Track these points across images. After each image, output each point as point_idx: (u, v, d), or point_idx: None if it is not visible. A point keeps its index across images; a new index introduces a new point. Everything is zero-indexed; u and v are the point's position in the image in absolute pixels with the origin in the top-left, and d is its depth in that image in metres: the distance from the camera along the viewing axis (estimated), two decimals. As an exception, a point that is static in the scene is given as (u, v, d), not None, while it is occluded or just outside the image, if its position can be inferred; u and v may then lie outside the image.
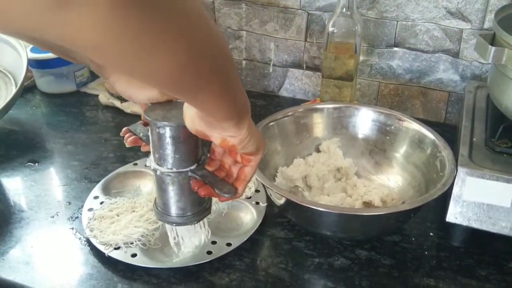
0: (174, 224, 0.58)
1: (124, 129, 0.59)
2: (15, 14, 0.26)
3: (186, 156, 0.53)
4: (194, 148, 0.53)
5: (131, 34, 0.29)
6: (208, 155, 0.56)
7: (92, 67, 0.54)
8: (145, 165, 0.83)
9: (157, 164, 0.53)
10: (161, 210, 0.57)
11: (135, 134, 0.58)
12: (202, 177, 0.54)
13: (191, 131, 0.49)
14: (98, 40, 0.28)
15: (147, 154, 0.56)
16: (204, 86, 0.39)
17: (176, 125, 0.51)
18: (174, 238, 0.61)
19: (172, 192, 0.55)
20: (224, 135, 0.48)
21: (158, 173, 0.54)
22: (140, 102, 0.56)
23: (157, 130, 0.52)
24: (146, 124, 0.58)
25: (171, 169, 0.53)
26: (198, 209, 0.57)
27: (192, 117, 0.47)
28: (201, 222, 0.61)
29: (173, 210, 0.57)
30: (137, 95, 0.54)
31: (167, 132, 0.51)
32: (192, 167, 0.53)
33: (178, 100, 0.52)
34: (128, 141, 0.57)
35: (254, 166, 0.54)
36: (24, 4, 0.25)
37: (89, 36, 0.28)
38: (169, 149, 0.52)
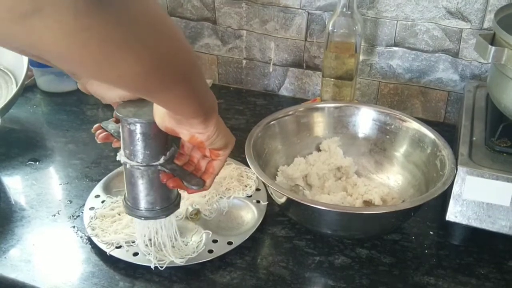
0: (142, 218, 0.60)
1: (95, 125, 0.61)
2: None
3: (156, 151, 0.55)
4: (164, 144, 0.55)
5: (94, 44, 0.30)
6: (178, 150, 0.58)
7: (64, 69, 0.55)
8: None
9: (127, 158, 0.55)
10: (131, 205, 0.59)
11: (106, 131, 0.60)
12: (171, 171, 0.55)
13: (161, 128, 0.51)
14: (63, 49, 0.29)
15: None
16: (168, 89, 0.41)
17: (146, 122, 0.53)
18: (144, 235, 0.63)
19: (141, 186, 0.57)
20: (192, 132, 0.50)
21: (127, 166, 0.55)
22: (112, 101, 0.58)
23: (128, 126, 0.53)
24: (118, 121, 0.59)
25: (141, 163, 0.54)
26: (167, 204, 0.59)
27: (161, 114, 0.49)
28: (169, 220, 0.62)
29: (142, 204, 0.58)
30: (108, 94, 0.56)
31: (138, 129, 0.53)
32: (162, 161, 0.55)
33: None
34: (100, 137, 0.59)
35: (223, 160, 0.57)
36: None
37: (54, 45, 0.29)
38: (139, 145, 0.54)
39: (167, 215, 0.60)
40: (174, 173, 0.56)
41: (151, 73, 0.36)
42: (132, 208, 0.59)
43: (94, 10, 0.28)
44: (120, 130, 0.56)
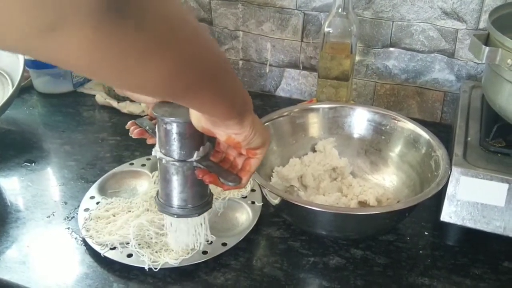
0: (175, 216, 0.59)
1: (130, 122, 0.61)
2: (8, 38, 0.27)
3: (191, 149, 0.54)
4: (200, 143, 0.55)
5: (116, 54, 0.30)
6: (213, 147, 0.57)
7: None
8: (146, 159, 0.84)
9: (163, 154, 0.55)
10: (163, 202, 0.58)
11: (141, 127, 0.60)
12: (207, 167, 0.55)
13: (197, 128, 0.51)
14: (85, 61, 0.29)
15: (143, 154, 0.57)
16: (196, 92, 0.40)
17: (182, 122, 0.52)
18: (176, 231, 0.62)
19: (176, 183, 0.56)
20: (229, 133, 0.49)
21: (163, 162, 0.55)
22: (147, 101, 0.58)
23: (164, 126, 0.53)
24: (152, 119, 0.60)
25: (177, 159, 0.54)
26: (199, 203, 0.58)
27: (197, 115, 0.49)
28: (201, 221, 0.61)
29: (175, 201, 0.57)
30: (144, 96, 0.55)
31: (174, 128, 0.53)
32: (197, 157, 0.55)
33: None
34: (135, 132, 0.59)
35: (260, 158, 0.56)
36: (17, 29, 0.26)
37: (76, 58, 0.29)
38: (175, 145, 0.54)
39: (199, 214, 0.59)
40: (210, 169, 0.55)
41: (176, 78, 0.35)
42: (164, 205, 0.59)
43: (112, 22, 0.28)
44: (156, 129, 0.56)
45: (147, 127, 0.60)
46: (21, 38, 0.27)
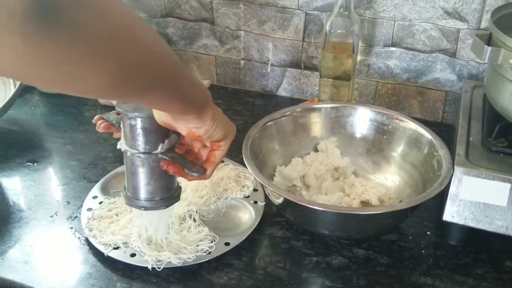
0: (142, 209, 0.60)
1: (96, 116, 0.62)
2: None
3: (156, 143, 0.56)
4: (165, 136, 0.56)
5: (48, 64, 0.29)
6: (179, 139, 0.58)
7: None
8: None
9: (128, 147, 0.56)
10: (130, 195, 0.59)
11: (107, 121, 0.61)
12: (172, 159, 0.56)
13: (159, 123, 0.53)
14: (16, 71, 0.30)
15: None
16: (145, 94, 0.40)
17: (146, 116, 0.54)
18: (142, 228, 0.64)
19: (142, 175, 0.57)
20: (189, 127, 0.51)
21: (128, 154, 0.56)
22: (110, 99, 0.60)
23: (129, 121, 0.55)
24: (118, 113, 0.60)
25: (142, 151, 0.56)
26: (167, 195, 0.59)
27: (159, 110, 0.50)
28: (168, 213, 0.63)
29: (142, 194, 0.58)
30: None
31: (138, 123, 0.55)
32: (162, 149, 0.56)
33: None
34: (101, 126, 0.60)
35: (225, 150, 0.57)
36: None
37: (12, 69, 0.29)
38: (140, 139, 0.56)
39: (167, 206, 0.60)
40: (175, 161, 0.57)
41: (119, 83, 0.35)
42: (132, 198, 0.59)
43: (43, 32, 0.27)
44: (121, 124, 0.57)
45: (114, 121, 0.61)
46: None
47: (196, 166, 0.57)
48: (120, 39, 0.33)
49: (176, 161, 0.57)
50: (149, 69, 0.38)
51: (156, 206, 0.60)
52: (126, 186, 0.60)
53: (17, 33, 0.26)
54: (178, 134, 0.57)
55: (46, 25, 0.27)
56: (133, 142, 0.56)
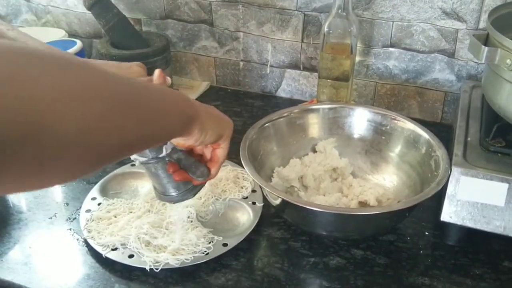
0: (173, 202, 0.62)
1: None
2: None
3: (159, 148, 0.57)
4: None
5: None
6: None
7: None
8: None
9: (139, 156, 0.58)
10: (160, 192, 0.62)
11: None
12: (178, 161, 0.58)
13: None
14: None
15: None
16: (129, 150, 0.38)
17: None
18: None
19: (161, 176, 0.59)
20: (178, 140, 0.51)
21: (141, 161, 0.58)
22: None
23: None
24: None
25: (150, 158, 0.57)
26: (190, 185, 0.61)
27: None
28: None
29: (168, 190, 0.61)
30: None
31: None
32: (168, 152, 0.57)
33: None
34: None
35: (225, 148, 0.56)
36: None
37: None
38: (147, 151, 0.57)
39: (194, 195, 0.62)
40: (180, 163, 0.57)
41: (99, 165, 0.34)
42: (162, 195, 0.62)
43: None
44: None
45: None
46: None
47: (200, 169, 0.58)
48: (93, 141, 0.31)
49: (181, 164, 0.57)
50: (124, 136, 0.35)
51: (184, 197, 0.62)
52: (154, 187, 0.63)
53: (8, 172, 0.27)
54: None
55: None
56: (140, 152, 0.57)
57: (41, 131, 0.27)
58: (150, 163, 0.58)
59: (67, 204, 0.79)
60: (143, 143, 0.39)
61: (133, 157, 0.58)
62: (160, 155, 0.57)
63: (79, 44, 1.05)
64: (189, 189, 0.61)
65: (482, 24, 0.90)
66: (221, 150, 0.57)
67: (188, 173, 0.57)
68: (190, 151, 0.58)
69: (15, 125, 0.26)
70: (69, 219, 0.76)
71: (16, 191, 0.31)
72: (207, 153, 0.58)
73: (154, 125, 0.39)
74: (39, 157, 0.28)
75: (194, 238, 0.68)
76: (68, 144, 0.29)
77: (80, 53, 1.04)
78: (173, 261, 0.65)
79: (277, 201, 0.69)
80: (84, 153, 0.31)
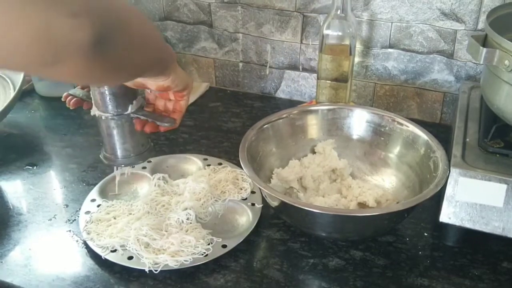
0: (122, 165, 0.69)
1: (64, 94, 0.69)
2: (19, 65, 0.39)
3: (126, 104, 0.63)
4: (133, 98, 0.64)
5: (98, 73, 0.43)
6: (144, 101, 0.67)
7: None
8: (147, 161, 0.85)
9: (102, 111, 0.63)
10: (109, 155, 0.67)
11: (75, 97, 0.68)
12: (144, 116, 0.64)
13: (130, 85, 0.60)
14: (80, 79, 0.49)
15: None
16: (144, 74, 0.55)
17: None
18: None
19: (118, 135, 0.65)
20: (157, 81, 0.59)
21: (103, 118, 0.63)
22: None
23: (98, 89, 0.62)
24: (83, 88, 0.69)
25: (114, 113, 0.63)
26: (142, 151, 0.68)
27: None
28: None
29: (119, 152, 0.67)
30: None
31: (107, 90, 0.62)
32: (133, 110, 0.64)
33: None
34: (72, 103, 0.68)
35: (187, 99, 0.66)
36: (27, 61, 0.37)
37: (74, 78, 0.47)
38: (111, 104, 0.63)
39: (143, 161, 0.69)
40: (147, 117, 0.64)
41: (137, 74, 0.53)
42: (111, 158, 0.67)
43: (99, 56, 0.40)
44: (92, 95, 0.64)
45: (81, 95, 0.68)
46: (30, 67, 0.39)
47: (166, 118, 0.65)
48: (141, 48, 0.47)
49: (147, 117, 0.64)
50: (153, 58, 0.52)
51: (134, 162, 0.68)
52: (103, 149, 0.68)
53: (83, 58, 0.39)
54: (143, 96, 0.67)
55: (100, 51, 0.39)
56: (104, 107, 0.63)
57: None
58: (114, 119, 0.63)
59: (67, 205, 0.79)
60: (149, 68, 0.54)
61: (97, 113, 0.64)
62: (125, 112, 0.63)
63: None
64: (139, 154, 0.67)
65: (480, 25, 0.90)
66: (184, 101, 0.66)
67: (156, 122, 0.64)
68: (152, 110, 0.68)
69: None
70: (69, 220, 0.76)
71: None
72: (170, 106, 0.67)
73: (159, 53, 0.54)
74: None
75: (193, 240, 0.68)
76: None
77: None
78: (172, 263, 0.65)
79: (276, 203, 0.69)
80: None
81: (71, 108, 0.68)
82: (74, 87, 0.70)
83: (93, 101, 0.64)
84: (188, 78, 0.64)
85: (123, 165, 0.68)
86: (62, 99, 0.69)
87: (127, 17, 0.44)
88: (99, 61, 0.40)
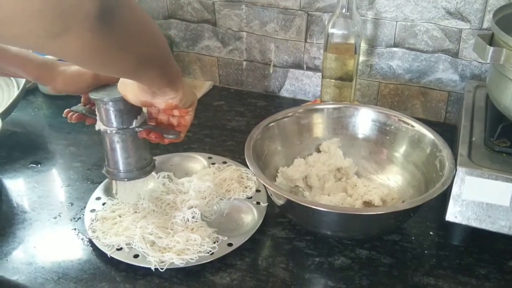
0: (125, 180, 0.68)
1: (66, 110, 0.71)
2: (24, 39, 0.37)
3: (130, 120, 0.64)
4: (137, 113, 0.65)
5: (103, 49, 0.42)
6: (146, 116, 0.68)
7: (29, 79, 0.68)
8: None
9: (106, 126, 0.64)
10: (112, 170, 0.67)
11: (77, 112, 0.69)
12: (149, 129, 0.65)
13: (136, 103, 0.60)
14: (83, 56, 0.42)
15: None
16: (151, 71, 0.52)
17: (119, 99, 0.62)
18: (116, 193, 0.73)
19: (121, 150, 0.65)
20: (166, 99, 0.59)
21: (108, 132, 0.64)
22: (81, 93, 0.69)
23: (104, 106, 0.63)
24: (85, 104, 0.71)
25: (119, 128, 0.64)
26: (144, 166, 0.68)
27: (134, 92, 0.58)
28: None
29: (122, 167, 0.67)
30: (75, 90, 0.68)
31: (113, 106, 0.63)
32: (137, 124, 0.65)
33: (112, 84, 0.66)
34: (74, 117, 0.69)
35: (192, 114, 0.66)
36: (33, 33, 0.36)
37: (77, 54, 0.41)
38: (116, 120, 0.64)
39: (146, 175, 0.69)
40: (152, 130, 0.65)
41: (140, 64, 0.49)
42: (114, 172, 0.67)
43: (104, 29, 0.39)
44: (97, 111, 0.65)
45: (84, 111, 0.70)
46: (35, 40, 0.37)
47: (171, 130, 0.66)
48: (145, 32, 0.47)
49: (152, 130, 0.65)
50: (157, 53, 0.50)
51: (137, 176, 0.68)
52: (106, 163, 0.68)
53: (89, 29, 0.38)
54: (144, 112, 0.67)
55: (103, 23, 0.39)
56: (109, 123, 0.64)
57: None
58: (119, 133, 0.64)
59: (72, 204, 0.79)
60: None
61: (102, 127, 0.64)
62: (131, 126, 0.64)
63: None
64: (142, 169, 0.67)
65: (485, 24, 0.90)
66: (189, 117, 0.66)
67: (162, 134, 0.64)
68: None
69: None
70: (74, 219, 0.76)
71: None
72: (174, 121, 0.67)
73: (170, 61, 0.55)
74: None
75: (199, 238, 0.68)
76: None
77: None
78: (178, 261, 0.65)
79: (282, 201, 0.69)
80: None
81: (72, 122, 0.69)
82: (77, 105, 0.72)
83: (98, 117, 0.65)
84: (193, 95, 0.64)
85: (126, 180, 0.68)
86: (63, 115, 0.70)
87: (133, 3, 0.45)
88: (103, 36, 0.40)
